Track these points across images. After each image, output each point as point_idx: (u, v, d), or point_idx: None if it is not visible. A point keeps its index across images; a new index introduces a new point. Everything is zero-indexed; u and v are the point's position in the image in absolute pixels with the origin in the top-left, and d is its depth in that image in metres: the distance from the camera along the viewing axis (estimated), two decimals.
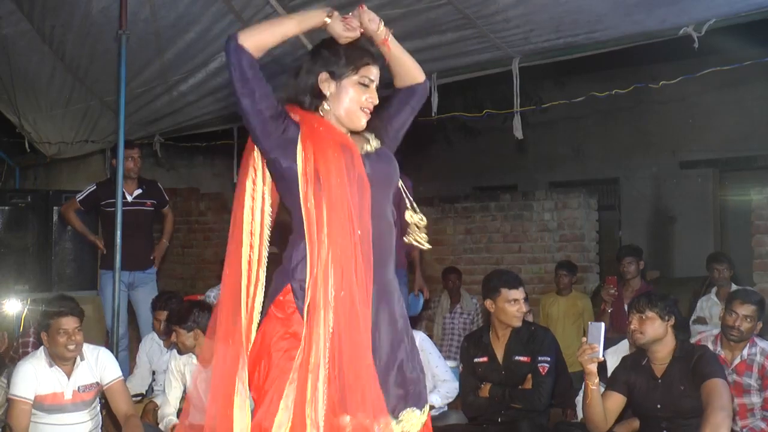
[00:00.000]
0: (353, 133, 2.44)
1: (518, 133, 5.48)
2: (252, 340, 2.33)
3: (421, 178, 11.69)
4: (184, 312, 4.33)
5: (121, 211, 5.35)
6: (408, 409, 2.33)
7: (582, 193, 7.75)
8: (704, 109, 9.89)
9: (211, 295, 6.17)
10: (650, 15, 4.75)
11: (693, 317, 6.14)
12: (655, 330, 3.65)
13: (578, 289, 7.08)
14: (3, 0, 6.29)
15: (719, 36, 4.68)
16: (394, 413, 2.29)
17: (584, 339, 3.61)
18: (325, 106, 2.40)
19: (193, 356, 4.36)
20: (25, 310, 5.95)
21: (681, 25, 4.66)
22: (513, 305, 4.14)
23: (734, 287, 5.71)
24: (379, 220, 2.38)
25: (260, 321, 2.36)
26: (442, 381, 4.45)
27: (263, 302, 2.35)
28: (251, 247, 2.34)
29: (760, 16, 4.49)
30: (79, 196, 6.15)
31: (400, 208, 6.03)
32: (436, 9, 5.23)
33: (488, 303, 4.22)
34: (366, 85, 2.41)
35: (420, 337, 4.43)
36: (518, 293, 4.16)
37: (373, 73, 2.43)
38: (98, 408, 4.25)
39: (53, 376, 4.05)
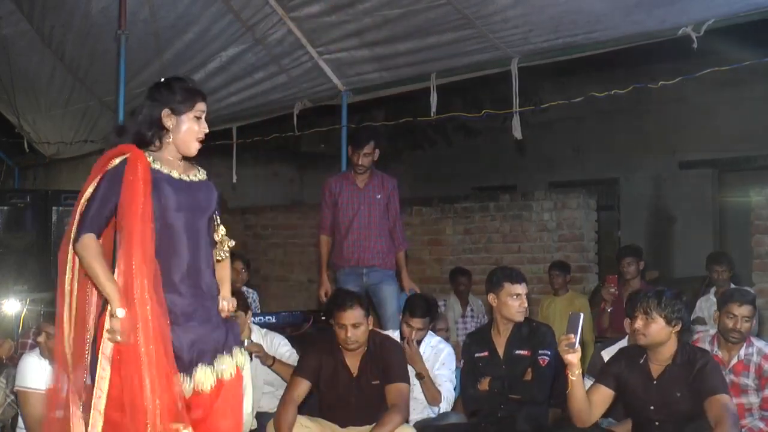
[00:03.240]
0: (186, 159, 2.98)
1: (517, 134, 5.48)
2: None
3: (420, 178, 11.73)
4: None
5: None
6: (220, 355, 2.89)
7: (581, 194, 7.74)
8: (704, 109, 9.89)
9: None
10: (649, 15, 4.76)
11: (692, 317, 6.14)
12: (658, 333, 3.56)
13: (577, 289, 7.07)
14: (3, 0, 6.30)
15: (718, 36, 4.68)
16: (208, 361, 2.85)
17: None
18: (169, 137, 2.91)
19: None
20: (24, 310, 5.94)
21: (680, 25, 4.67)
22: (515, 300, 4.16)
23: (733, 287, 5.70)
24: (194, 237, 2.88)
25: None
26: (438, 385, 4.49)
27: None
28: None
29: (759, 16, 4.50)
30: None
31: (389, 210, 6.03)
32: (436, 9, 5.24)
33: (491, 297, 4.24)
34: (199, 118, 2.97)
35: (447, 351, 4.60)
36: (521, 288, 4.19)
37: (203, 107, 2.99)
38: None
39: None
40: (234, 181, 7.31)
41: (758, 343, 4.18)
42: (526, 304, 4.23)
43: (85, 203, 2.80)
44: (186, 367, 2.80)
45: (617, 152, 10.65)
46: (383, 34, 5.70)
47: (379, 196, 5.39)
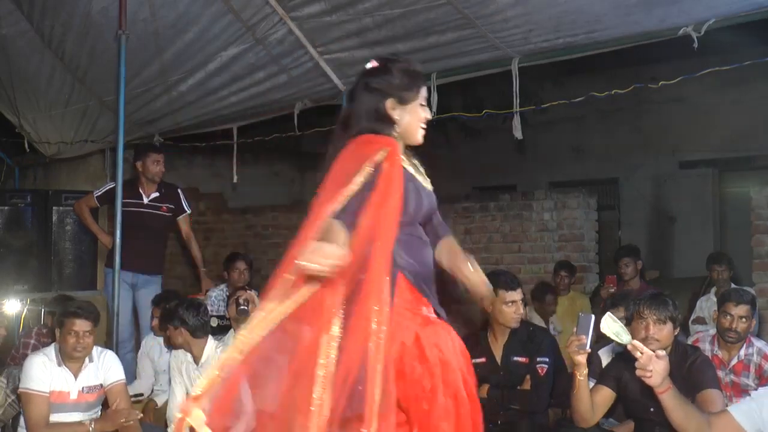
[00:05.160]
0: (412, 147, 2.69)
1: (518, 133, 5.48)
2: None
3: None
4: (172, 310, 4.41)
5: (121, 212, 5.36)
6: None
7: (581, 193, 7.74)
8: (704, 109, 9.89)
9: (212, 295, 6.13)
10: (649, 15, 4.75)
11: (692, 317, 6.14)
12: (669, 337, 3.57)
13: (577, 289, 7.07)
14: (2, 0, 6.30)
15: (719, 36, 4.67)
16: None
17: (574, 330, 3.59)
18: (397, 129, 2.63)
19: (188, 354, 4.41)
20: (25, 310, 5.95)
21: (680, 25, 4.66)
22: (510, 307, 4.15)
23: (732, 287, 5.70)
24: (427, 246, 2.70)
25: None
26: None
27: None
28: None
29: (759, 16, 4.49)
30: (97, 192, 6.06)
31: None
32: (436, 9, 5.24)
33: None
34: (424, 105, 2.68)
35: None
36: (515, 295, 4.16)
37: (426, 93, 2.69)
38: (99, 414, 4.23)
39: (61, 375, 4.07)
40: (235, 181, 7.32)
41: (758, 343, 4.18)
42: (521, 310, 4.20)
43: (350, 194, 2.45)
44: None
45: (617, 152, 10.65)
46: (383, 34, 5.70)
47: None
